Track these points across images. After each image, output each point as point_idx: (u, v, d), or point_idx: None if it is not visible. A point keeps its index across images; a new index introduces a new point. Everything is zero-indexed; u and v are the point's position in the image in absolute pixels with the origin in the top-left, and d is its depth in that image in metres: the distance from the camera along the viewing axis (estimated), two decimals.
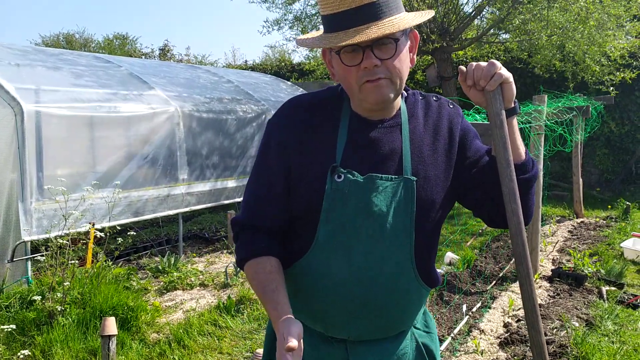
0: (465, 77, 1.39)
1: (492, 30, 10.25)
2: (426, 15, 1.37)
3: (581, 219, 8.11)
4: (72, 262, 4.17)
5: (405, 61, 1.37)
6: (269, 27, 10.67)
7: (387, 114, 1.42)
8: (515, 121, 1.45)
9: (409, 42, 1.39)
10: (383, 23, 1.28)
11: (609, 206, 8.87)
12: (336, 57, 1.34)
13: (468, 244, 6.65)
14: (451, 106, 1.52)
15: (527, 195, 1.46)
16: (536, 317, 1.46)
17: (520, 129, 4.40)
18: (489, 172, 1.45)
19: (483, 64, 1.37)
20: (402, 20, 1.31)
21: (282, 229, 1.47)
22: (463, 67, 1.40)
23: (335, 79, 1.42)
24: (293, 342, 1.18)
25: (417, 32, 1.44)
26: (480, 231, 7.25)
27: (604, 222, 7.96)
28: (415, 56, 1.44)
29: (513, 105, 1.42)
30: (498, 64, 1.36)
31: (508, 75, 1.37)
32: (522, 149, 1.46)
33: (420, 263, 1.43)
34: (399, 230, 1.38)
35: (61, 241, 4.09)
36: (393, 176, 1.38)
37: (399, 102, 1.45)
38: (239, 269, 5.34)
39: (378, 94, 1.33)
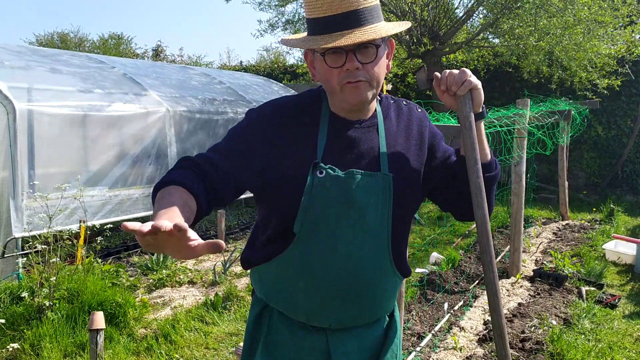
0: (439, 83, 1.52)
1: (482, 34, 10.39)
2: (403, 25, 1.49)
3: (566, 221, 8.24)
4: (60, 259, 4.24)
5: (383, 66, 1.47)
6: (262, 31, 10.77)
7: (364, 115, 1.52)
8: (482, 124, 1.59)
9: (386, 49, 1.50)
10: (366, 30, 1.38)
11: (594, 209, 9.01)
12: (320, 58, 1.43)
13: (454, 244, 6.76)
14: (419, 110, 1.65)
15: (490, 191, 1.60)
16: (498, 302, 1.61)
17: (498, 132, 4.52)
18: (457, 170, 1.57)
19: (455, 71, 1.50)
20: (383, 28, 1.42)
21: (219, 184, 1.39)
22: (438, 74, 1.52)
23: (316, 79, 1.51)
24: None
25: (393, 40, 1.55)
26: (466, 232, 7.37)
27: (589, 224, 8.10)
28: (390, 62, 1.54)
29: (481, 110, 1.55)
30: (468, 71, 1.49)
31: (477, 82, 1.50)
32: (487, 149, 1.60)
33: (395, 254, 1.53)
34: (377, 222, 1.46)
35: (50, 238, 4.17)
36: (372, 172, 1.47)
37: (375, 104, 1.55)
38: (227, 266, 5.46)
39: (357, 95, 1.42)
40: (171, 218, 1.09)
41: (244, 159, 1.45)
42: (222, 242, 1.00)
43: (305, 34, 1.52)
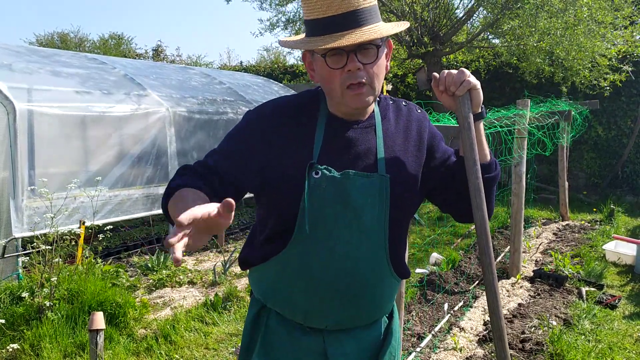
0: (438, 83, 1.50)
1: (482, 35, 10.39)
2: (402, 25, 1.48)
3: (567, 222, 8.24)
4: (61, 259, 4.24)
5: (382, 67, 1.47)
6: (262, 30, 10.79)
7: (362, 115, 1.51)
8: (481, 125, 1.57)
9: (385, 49, 1.49)
10: (366, 30, 1.37)
11: (594, 209, 9.01)
12: (320, 59, 1.42)
13: (454, 245, 6.77)
14: (419, 111, 1.64)
15: (490, 193, 1.59)
16: (497, 304, 1.60)
17: (498, 132, 4.52)
18: (457, 171, 1.56)
19: (454, 71, 1.48)
20: (383, 28, 1.42)
21: (219, 187, 1.44)
22: (436, 74, 1.51)
23: (315, 80, 1.50)
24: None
25: (391, 41, 1.54)
26: (466, 233, 7.37)
27: (589, 224, 8.09)
28: (389, 63, 1.53)
29: (480, 110, 1.54)
30: (467, 72, 1.47)
31: (476, 82, 1.48)
32: (487, 150, 1.58)
33: (393, 255, 1.52)
34: (374, 223, 1.46)
35: (52, 238, 4.17)
36: (368, 173, 1.46)
37: (373, 105, 1.54)
38: (227, 267, 5.46)
39: (359, 100, 1.42)
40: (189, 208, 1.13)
41: (243, 158, 1.46)
42: (231, 201, 1.05)
43: (303, 35, 1.51)
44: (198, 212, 1.06)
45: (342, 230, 1.44)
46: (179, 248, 1.02)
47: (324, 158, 1.46)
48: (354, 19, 1.37)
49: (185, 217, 1.03)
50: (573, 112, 7.67)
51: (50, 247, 4.15)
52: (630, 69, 9.51)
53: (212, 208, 1.07)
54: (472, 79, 1.47)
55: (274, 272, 1.52)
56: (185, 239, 1.05)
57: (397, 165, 1.50)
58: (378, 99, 1.58)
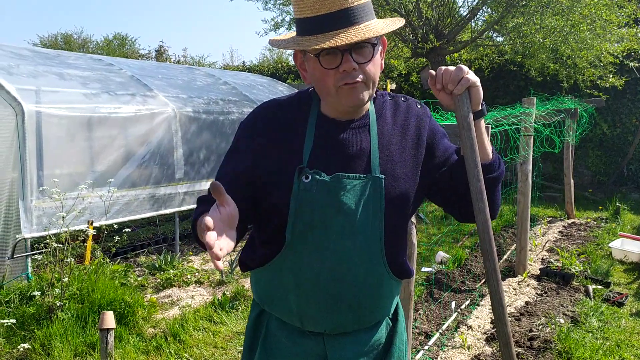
0: (435, 81, 1.43)
1: (486, 33, 10.38)
2: (398, 23, 1.41)
3: (572, 220, 8.23)
4: (71, 259, 4.27)
5: (378, 65, 1.41)
6: (267, 29, 10.80)
7: (355, 115, 1.46)
8: (482, 123, 1.50)
9: (380, 47, 1.43)
10: (361, 28, 1.32)
11: (600, 207, 9.00)
12: (313, 59, 1.36)
13: (460, 243, 6.77)
14: (419, 106, 1.56)
15: (494, 193, 1.53)
16: (502, 310, 1.55)
17: (505, 131, 4.52)
18: (458, 170, 1.49)
19: (451, 68, 1.41)
20: (378, 26, 1.36)
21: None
22: (432, 71, 1.44)
23: (307, 81, 1.45)
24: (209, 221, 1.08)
25: (385, 38, 1.48)
26: (472, 231, 7.37)
27: (595, 222, 8.09)
28: (383, 62, 1.47)
29: (480, 108, 1.47)
30: (465, 68, 1.40)
31: (475, 79, 1.41)
32: (489, 149, 1.51)
33: (391, 257, 1.47)
34: (368, 226, 1.41)
35: (60, 238, 4.20)
36: (361, 175, 1.41)
37: (368, 104, 1.48)
38: (234, 266, 5.48)
39: (354, 97, 1.36)
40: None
41: (244, 178, 1.45)
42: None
43: (294, 33, 1.45)
44: (213, 215, 1.10)
45: (334, 235, 1.40)
46: (216, 249, 1.06)
47: (314, 161, 1.41)
48: (347, 17, 1.31)
49: (208, 220, 1.07)
50: (579, 110, 7.66)
51: (62, 247, 4.17)
52: (635, 65, 9.49)
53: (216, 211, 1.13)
54: (471, 76, 1.40)
55: (268, 277, 1.51)
56: (219, 241, 1.08)
57: (392, 164, 1.45)
58: (374, 96, 1.52)
